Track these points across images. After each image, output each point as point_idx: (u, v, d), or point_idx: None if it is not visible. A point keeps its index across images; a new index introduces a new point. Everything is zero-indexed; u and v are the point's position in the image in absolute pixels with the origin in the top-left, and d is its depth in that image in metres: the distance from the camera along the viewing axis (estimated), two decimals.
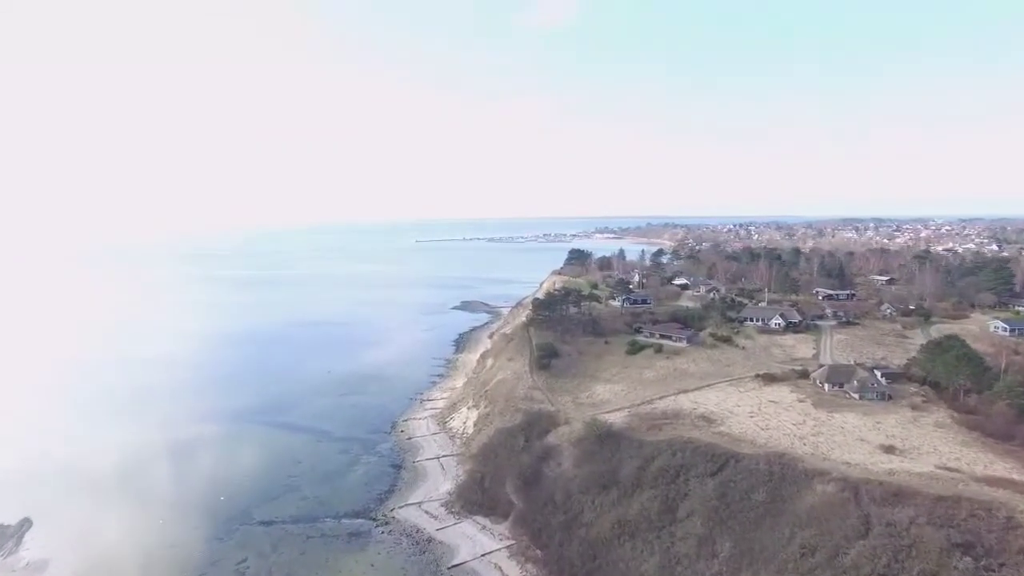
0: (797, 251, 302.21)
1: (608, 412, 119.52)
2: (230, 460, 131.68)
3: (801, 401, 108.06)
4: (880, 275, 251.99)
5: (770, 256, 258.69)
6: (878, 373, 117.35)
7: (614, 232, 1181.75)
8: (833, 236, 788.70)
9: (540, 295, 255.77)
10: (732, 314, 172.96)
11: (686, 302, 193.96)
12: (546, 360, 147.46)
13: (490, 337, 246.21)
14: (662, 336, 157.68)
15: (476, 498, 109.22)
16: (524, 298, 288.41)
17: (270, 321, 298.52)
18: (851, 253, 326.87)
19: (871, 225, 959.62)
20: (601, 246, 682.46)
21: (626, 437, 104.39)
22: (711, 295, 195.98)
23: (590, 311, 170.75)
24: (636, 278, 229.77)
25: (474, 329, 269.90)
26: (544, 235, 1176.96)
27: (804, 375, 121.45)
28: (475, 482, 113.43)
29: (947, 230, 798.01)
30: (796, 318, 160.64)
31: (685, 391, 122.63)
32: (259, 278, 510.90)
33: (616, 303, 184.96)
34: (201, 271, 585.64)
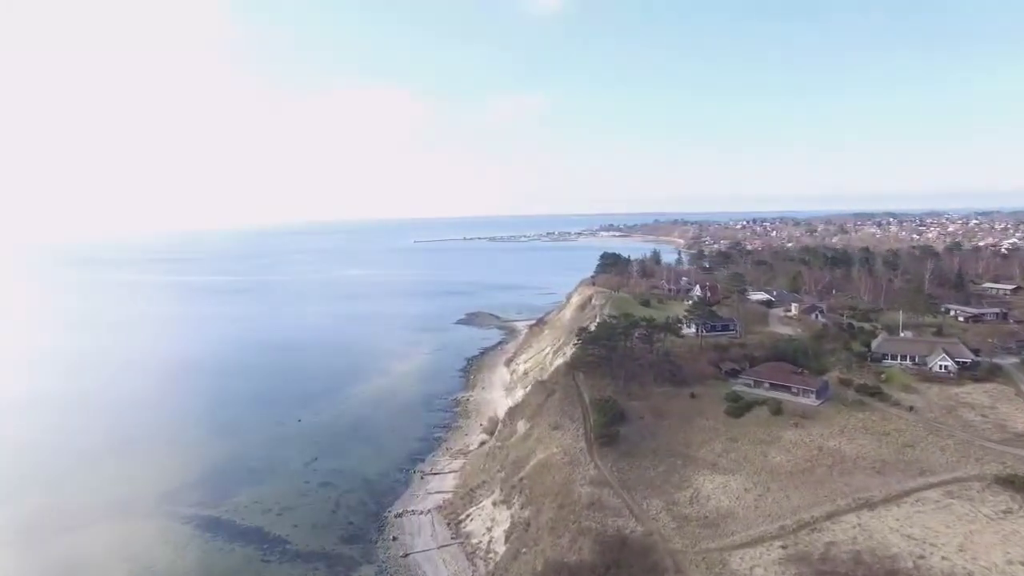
0: (868, 251, 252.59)
1: (742, 546, 69.59)
2: None
3: None
4: (994, 282, 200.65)
5: (864, 261, 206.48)
6: None
7: (620, 229, 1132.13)
8: (856, 232, 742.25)
9: (570, 312, 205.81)
10: (856, 347, 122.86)
11: (779, 327, 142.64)
12: (612, 429, 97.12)
13: (507, 364, 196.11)
14: (774, 386, 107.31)
15: None
16: (548, 313, 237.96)
17: (233, 344, 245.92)
18: (934, 253, 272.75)
19: (892, 220, 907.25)
20: (609, 245, 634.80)
21: None
22: (814, 317, 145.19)
23: (662, 345, 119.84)
24: (696, 290, 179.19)
25: (485, 352, 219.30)
26: (548, 233, 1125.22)
27: None
28: None
29: (975, 224, 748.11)
30: (968, 356, 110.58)
31: (869, 503, 72.43)
32: (234, 286, 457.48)
33: (689, 330, 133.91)
34: (169, 278, 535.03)
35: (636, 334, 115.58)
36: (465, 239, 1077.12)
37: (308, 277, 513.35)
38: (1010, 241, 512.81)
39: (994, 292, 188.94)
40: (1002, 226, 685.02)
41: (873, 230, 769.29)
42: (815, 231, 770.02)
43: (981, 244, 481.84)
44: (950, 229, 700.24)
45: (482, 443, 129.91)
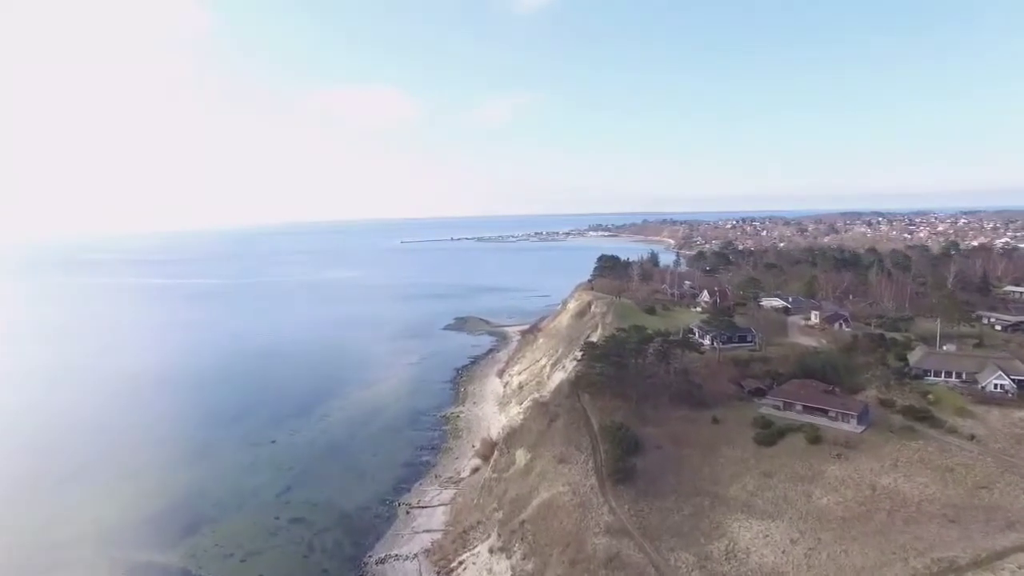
0: (876, 251, 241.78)
1: None
2: None
3: None
4: (1016, 285, 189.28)
5: (879, 263, 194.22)
6: None
7: (608, 229, 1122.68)
8: (847, 231, 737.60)
9: (568, 319, 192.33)
10: (892, 361, 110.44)
11: (801, 338, 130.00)
12: (628, 462, 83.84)
13: (499, 375, 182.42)
14: (807, 409, 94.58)
15: None
16: (542, 318, 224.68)
17: (209, 351, 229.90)
18: (948, 254, 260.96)
19: (881, 219, 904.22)
20: (599, 245, 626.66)
21: None
22: (838, 326, 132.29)
23: (679, 362, 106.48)
24: (704, 295, 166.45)
25: (476, 361, 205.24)
26: (536, 234, 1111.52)
27: None
28: None
29: (964, 223, 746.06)
30: None
31: (954, 567, 59.38)
32: (216, 289, 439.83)
33: (704, 342, 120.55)
34: (151, 280, 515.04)
35: (650, 349, 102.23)
36: (452, 239, 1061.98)
37: (293, 280, 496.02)
38: (1003, 240, 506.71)
39: (1018, 296, 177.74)
40: (991, 225, 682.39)
41: (863, 229, 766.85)
42: (806, 230, 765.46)
43: (975, 243, 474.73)
44: (940, 228, 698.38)
45: (475, 469, 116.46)
